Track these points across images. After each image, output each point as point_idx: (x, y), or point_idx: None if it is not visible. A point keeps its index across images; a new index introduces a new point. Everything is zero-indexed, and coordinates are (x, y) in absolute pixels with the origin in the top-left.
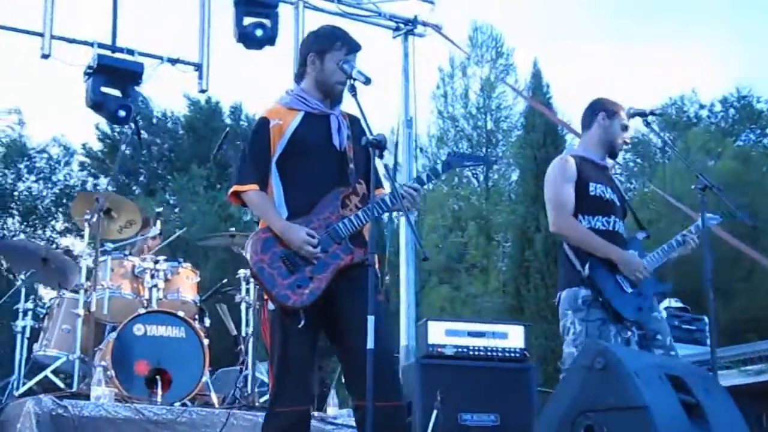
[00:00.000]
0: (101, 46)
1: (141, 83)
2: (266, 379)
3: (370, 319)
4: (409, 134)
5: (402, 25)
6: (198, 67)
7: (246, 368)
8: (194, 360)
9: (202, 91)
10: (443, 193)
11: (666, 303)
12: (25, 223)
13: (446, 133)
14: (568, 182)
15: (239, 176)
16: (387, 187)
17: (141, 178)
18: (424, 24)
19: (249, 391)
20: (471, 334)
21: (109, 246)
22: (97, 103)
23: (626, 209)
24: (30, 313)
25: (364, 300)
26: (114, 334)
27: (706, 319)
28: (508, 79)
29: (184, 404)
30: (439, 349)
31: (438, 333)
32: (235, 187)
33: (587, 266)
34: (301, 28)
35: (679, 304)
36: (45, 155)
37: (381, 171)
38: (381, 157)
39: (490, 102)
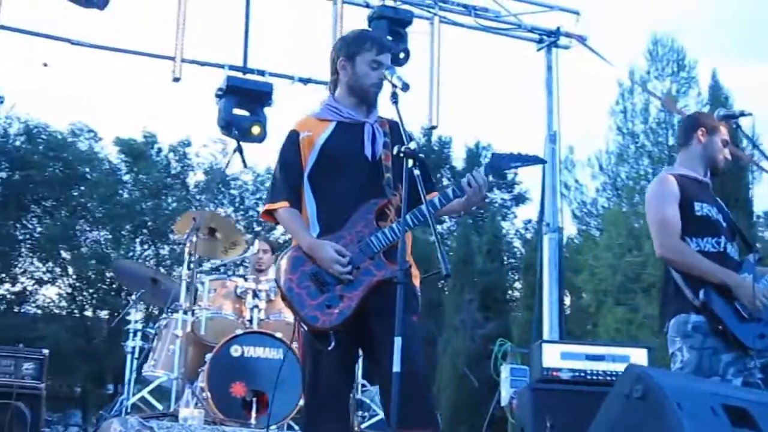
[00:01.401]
0: (232, 68)
1: (271, 104)
2: (368, 402)
3: (397, 340)
4: (552, 149)
5: (545, 37)
6: None
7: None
8: (293, 383)
9: None
10: (621, 211)
11: None
12: None
13: (626, 149)
14: (671, 202)
15: (271, 194)
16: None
17: None
18: (568, 35)
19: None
20: (589, 357)
21: (208, 266)
22: (229, 124)
23: (734, 230)
24: (139, 333)
25: (395, 320)
26: (210, 355)
27: None
28: (691, 93)
29: (290, 427)
30: (554, 373)
31: (553, 356)
32: (266, 206)
33: (702, 293)
34: (437, 44)
35: None
36: (239, 182)
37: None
38: (416, 167)
39: (671, 117)
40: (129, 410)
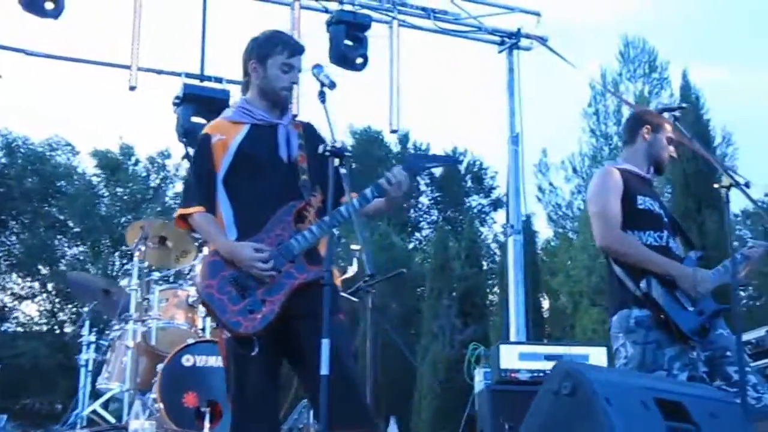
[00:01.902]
0: (189, 75)
1: None
2: None
3: (325, 342)
4: (515, 151)
5: (506, 39)
6: None
7: None
8: None
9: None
10: None
11: None
12: None
13: (600, 151)
14: (613, 194)
15: (184, 198)
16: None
17: None
18: (528, 37)
19: (305, 422)
20: (548, 357)
21: (157, 275)
22: (188, 132)
23: (675, 227)
24: (93, 345)
25: (321, 322)
26: (161, 366)
27: None
28: (663, 94)
29: None
30: (512, 374)
31: (511, 357)
32: (179, 211)
33: (643, 282)
34: (397, 48)
35: None
36: None
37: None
38: (342, 165)
39: None
40: (84, 423)
